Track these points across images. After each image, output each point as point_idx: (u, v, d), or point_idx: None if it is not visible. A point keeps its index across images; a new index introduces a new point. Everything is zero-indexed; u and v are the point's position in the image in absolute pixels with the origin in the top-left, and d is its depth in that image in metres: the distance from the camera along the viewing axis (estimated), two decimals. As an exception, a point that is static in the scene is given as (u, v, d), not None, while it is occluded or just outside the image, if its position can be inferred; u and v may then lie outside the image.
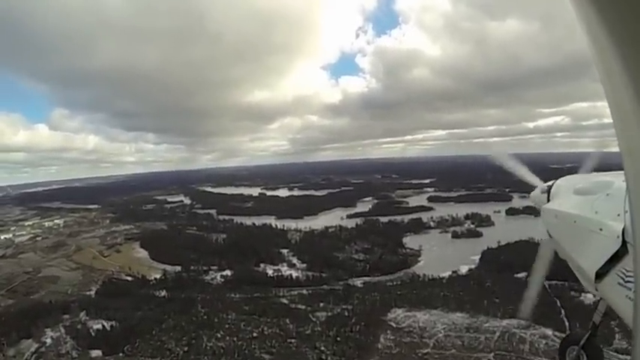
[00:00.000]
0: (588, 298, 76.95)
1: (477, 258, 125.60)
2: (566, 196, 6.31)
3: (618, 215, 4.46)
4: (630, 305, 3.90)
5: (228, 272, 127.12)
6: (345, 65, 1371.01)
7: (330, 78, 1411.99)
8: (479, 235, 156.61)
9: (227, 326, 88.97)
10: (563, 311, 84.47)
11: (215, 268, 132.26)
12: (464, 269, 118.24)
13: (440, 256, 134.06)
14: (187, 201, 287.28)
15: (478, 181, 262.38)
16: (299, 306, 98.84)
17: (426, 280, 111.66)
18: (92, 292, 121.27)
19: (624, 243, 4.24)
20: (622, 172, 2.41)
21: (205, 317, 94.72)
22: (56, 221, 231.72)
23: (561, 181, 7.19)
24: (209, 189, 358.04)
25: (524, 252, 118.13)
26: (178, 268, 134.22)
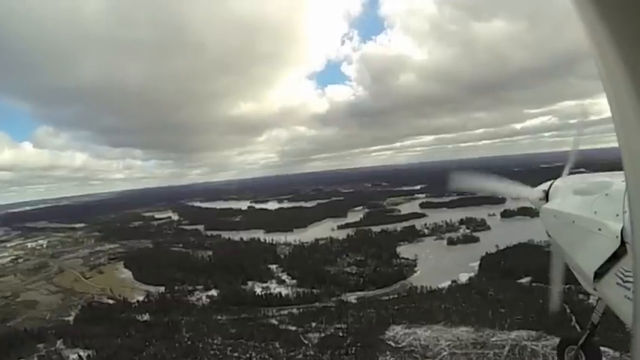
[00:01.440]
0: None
1: (475, 265, 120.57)
2: (564, 197, 6.25)
3: (617, 215, 4.38)
4: (629, 305, 3.89)
5: (214, 292, 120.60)
6: (331, 73, 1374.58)
7: (316, 87, 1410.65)
8: (475, 240, 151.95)
9: (212, 352, 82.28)
10: (574, 317, 78.54)
11: (201, 287, 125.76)
12: (463, 278, 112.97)
13: (437, 264, 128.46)
14: (175, 217, 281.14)
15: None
16: (289, 327, 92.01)
17: (424, 292, 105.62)
18: (71, 318, 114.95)
19: (623, 243, 4.21)
20: (621, 172, 2.49)
21: (189, 343, 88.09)
22: (40, 242, 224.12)
23: (559, 182, 7.11)
24: (197, 204, 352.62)
25: (524, 255, 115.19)
26: (162, 288, 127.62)
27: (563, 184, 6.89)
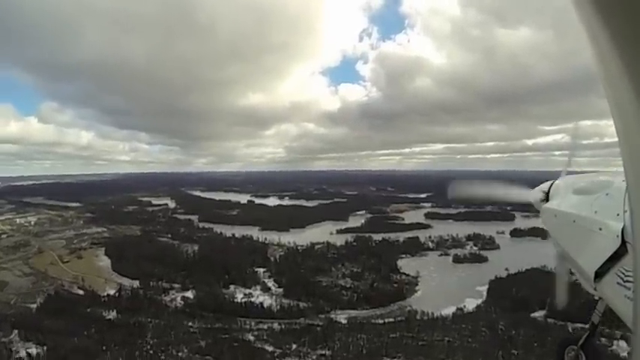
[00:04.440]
0: (622, 347, 64.84)
1: (483, 290, 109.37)
2: (565, 196, 6.25)
3: (618, 215, 4.35)
4: (629, 305, 3.87)
5: (190, 294, 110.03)
6: (345, 71, 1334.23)
7: (329, 84, 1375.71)
8: (483, 259, 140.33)
9: (174, 368, 71.64)
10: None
11: (178, 286, 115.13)
12: (470, 305, 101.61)
13: (440, 285, 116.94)
14: (172, 205, 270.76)
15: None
16: (266, 346, 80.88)
17: (424, 318, 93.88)
18: (35, 306, 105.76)
19: (623, 243, 4.16)
20: (621, 171, 2.54)
21: (151, 352, 77.99)
22: (29, 218, 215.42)
23: (560, 181, 7.06)
24: (197, 193, 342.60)
25: (537, 283, 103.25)
26: (137, 283, 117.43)
27: (564, 183, 6.77)
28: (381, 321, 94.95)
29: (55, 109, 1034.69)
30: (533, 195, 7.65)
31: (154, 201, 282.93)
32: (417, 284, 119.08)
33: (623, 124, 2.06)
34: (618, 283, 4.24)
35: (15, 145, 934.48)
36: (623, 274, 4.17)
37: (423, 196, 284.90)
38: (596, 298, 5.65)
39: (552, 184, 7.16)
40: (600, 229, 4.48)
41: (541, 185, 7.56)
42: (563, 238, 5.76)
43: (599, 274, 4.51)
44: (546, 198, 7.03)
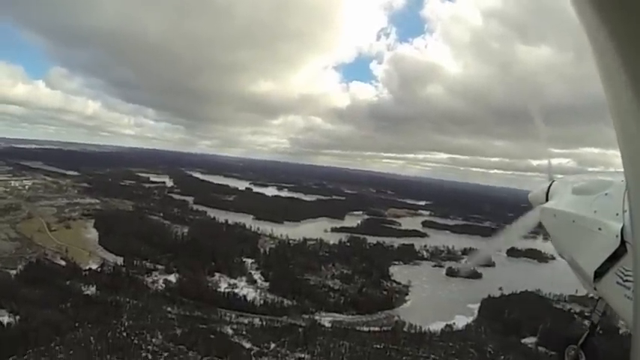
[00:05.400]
0: None
1: (475, 308, 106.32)
2: (564, 196, 6.30)
3: (617, 215, 4.45)
4: (629, 304, 3.87)
5: (173, 277, 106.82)
6: (359, 69, 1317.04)
7: (341, 80, 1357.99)
8: (477, 276, 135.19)
9: (144, 355, 68.38)
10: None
11: (162, 268, 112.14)
12: (460, 322, 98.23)
13: (431, 297, 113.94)
14: (170, 183, 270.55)
15: (476, 211, 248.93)
16: (243, 342, 77.44)
17: (411, 331, 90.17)
18: (15, 272, 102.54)
19: (623, 242, 4.24)
20: (620, 170, 2.62)
21: (124, 334, 74.60)
22: (25, 182, 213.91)
23: (560, 181, 7.21)
24: (197, 175, 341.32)
25: (530, 308, 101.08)
26: (121, 260, 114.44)
27: (563, 183, 6.86)
28: (366, 329, 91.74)
29: (63, 75, 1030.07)
30: (533, 194, 7.66)
31: (152, 178, 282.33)
32: (407, 294, 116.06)
33: (623, 123, 2.05)
34: (618, 282, 4.23)
35: (21, 108, 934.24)
36: (623, 273, 4.15)
37: (422, 203, 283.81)
38: (596, 297, 5.60)
39: (552, 183, 7.17)
40: (600, 228, 4.49)
41: (541, 185, 7.56)
42: (563, 238, 5.71)
43: (599, 273, 4.48)
44: (546, 197, 6.97)
